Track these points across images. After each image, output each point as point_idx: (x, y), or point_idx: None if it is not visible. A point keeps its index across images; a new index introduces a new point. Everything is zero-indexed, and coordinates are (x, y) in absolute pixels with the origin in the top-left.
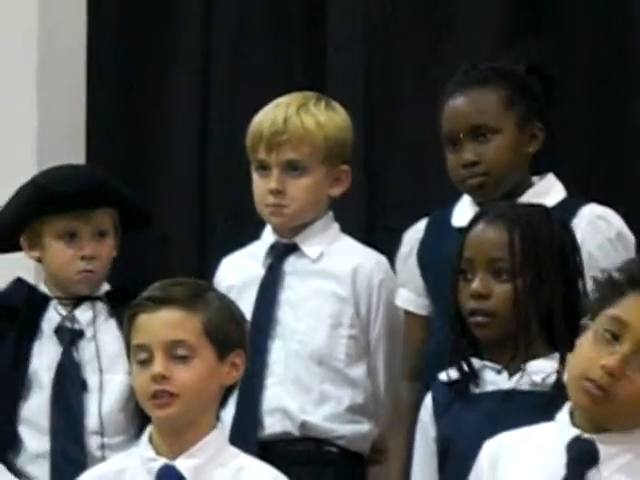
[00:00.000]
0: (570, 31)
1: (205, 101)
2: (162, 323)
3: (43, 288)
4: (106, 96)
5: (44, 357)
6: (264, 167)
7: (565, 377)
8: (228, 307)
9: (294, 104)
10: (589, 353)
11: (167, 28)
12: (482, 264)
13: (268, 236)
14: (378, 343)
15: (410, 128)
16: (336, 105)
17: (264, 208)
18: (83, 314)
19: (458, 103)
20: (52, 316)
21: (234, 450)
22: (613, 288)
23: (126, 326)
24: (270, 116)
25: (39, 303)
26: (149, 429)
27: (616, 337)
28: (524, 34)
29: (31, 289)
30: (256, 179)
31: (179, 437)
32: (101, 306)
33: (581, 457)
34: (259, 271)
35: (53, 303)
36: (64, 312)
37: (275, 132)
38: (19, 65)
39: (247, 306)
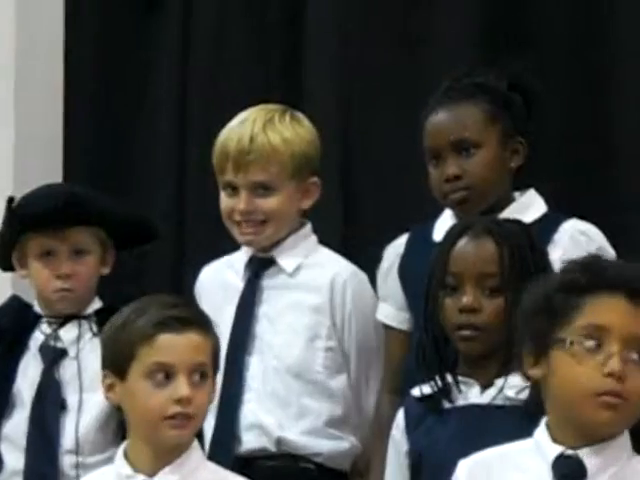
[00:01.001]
0: (548, 47)
1: (182, 111)
2: (190, 344)
3: (37, 306)
4: (84, 110)
5: (28, 375)
6: (232, 187)
7: (549, 402)
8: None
9: (259, 120)
10: (583, 370)
11: (145, 41)
12: (472, 279)
13: (247, 248)
14: (355, 356)
15: (388, 142)
16: (301, 117)
17: (232, 225)
18: (68, 333)
19: (441, 117)
20: (39, 334)
21: (212, 466)
22: (569, 300)
23: (135, 340)
24: (236, 134)
25: (30, 321)
26: (124, 445)
27: (599, 344)
28: (503, 50)
29: (23, 307)
30: (224, 198)
31: (162, 454)
32: (87, 325)
33: (570, 474)
34: (237, 283)
35: (42, 322)
36: (49, 330)
37: (241, 152)
38: None
39: (226, 320)
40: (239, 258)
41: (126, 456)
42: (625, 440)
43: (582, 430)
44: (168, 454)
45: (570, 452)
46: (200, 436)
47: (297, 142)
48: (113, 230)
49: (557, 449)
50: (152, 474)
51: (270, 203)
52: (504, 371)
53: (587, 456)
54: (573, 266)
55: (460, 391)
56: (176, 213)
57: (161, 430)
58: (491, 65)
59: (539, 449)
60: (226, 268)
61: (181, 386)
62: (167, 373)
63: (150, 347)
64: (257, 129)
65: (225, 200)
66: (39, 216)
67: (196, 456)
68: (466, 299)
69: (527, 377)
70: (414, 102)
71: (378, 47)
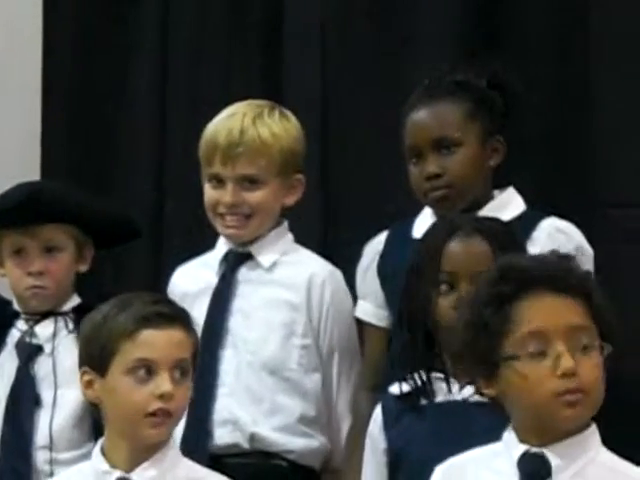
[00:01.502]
0: (529, 46)
1: (162, 110)
2: (172, 341)
3: (16, 304)
4: (62, 108)
5: (4, 372)
6: (218, 180)
7: (511, 410)
8: None
9: (249, 114)
10: (536, 378)
11: (123, 36)
12: (466, 278)
13: (222, 245)
14: (330, 355)
15: (367, 141)
16: (288, 114)
17: (216, 217)
18: (44, 329)
19: (422, 116)
20: (15, 331)
21: (188, 462)
22: (500, 313)
23: (117, 336)
24: (225, 127)
25: (8, 318)
26: (100, 442)
27: (544, 349)
28: (483, 49)
29: (2, 304)
30: (208, 189)
31: (139, 450)
32: (63, 321)
33: (533, 472)
34: (213, 280)
35: (19, 318)
36: (25, 327)
37: (231, 144)
38: None
39: (200, 315)
40: (213, 256)
41: (103, 452)
42: (591, 433)
43: (547, 430)
44: (145, 451)
45: (535, 450)
46: None
47: (285, 138)
48: (88, 227)
49: (522, 448)
50: (129, 470)
51: (256, 197)
52: None
53: (551, 453)
54: (493, 276)
55: (436, 388)
56: (155, 209)
57: (141, 428)
58: (471, 64)
59: (508, 450)
60: (200, 267)
61: (163, 382)
62: (149, 369)
63: (132, 343)
64: (247, 123)
65: (210, 192)
66: (3, 212)
67: (173, 452)
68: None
69: (482, 394)
70: (393, 101)
71: (359, 46)
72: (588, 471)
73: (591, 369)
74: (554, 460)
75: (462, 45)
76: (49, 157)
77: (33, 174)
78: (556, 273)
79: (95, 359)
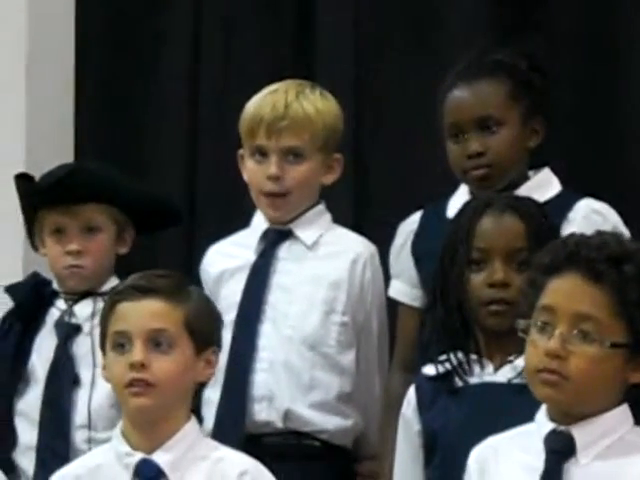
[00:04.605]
0: (558, 28)
1: (195, 92)
2: (145, 311)
3: (55, 283)
4: (95, 92)
5: (43, 351)
6: (262, 153)
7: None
8: (207, 302)
9: (292, 90)
10: (532, 350)
11: (156, 19)
12: (501, 254)
13: (259, 223)
14: (369, 333)
15: (400, 120)
16: (327, 93)
17: (260, 196)
18: (83, 309)
19: (464, 94)
20: (55, 311)
21: (211, 442)
22: (535, 284)
23: (105, 314)
24: (269, 101)
25: (47, 297)
26: (120, 423)
27: (549, 324)
28: (514, 31)
29: (41, 284)
30: (252, 165)
31: (153, 431)
32: (102, 302)
33: (558, 449)
34: (250, 257)
35: (59, 298)
36: (64, 307)
37: (276, 117)
38: (8, 61)
39: (236, 292)
40: (249, 234)
41: (123, 434)
42: (620, 413)
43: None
44: (153, 430)
45: (561, 428)
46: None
47: (328, 114)
48: (128, 209)
49: (551, 426)
50: (148, 452)
51: (299, 171)
52: (520, 349)
53: (577, 431)
54: (555, 246)
55: (480, 368)
56: (187, 192)
57: (125, 399)
58: (506, 45)
59: (539, 429)
60: (235, 245)
61: (134, 351)
62: (126, 341)
63: (111, 317)
64: (291, 97)
65: (254, 168)
66: (43, 190)
67: (193, 432)
68: (498, 274)
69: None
70: (426, 80)
71: (390, 31)
72: (615, 450)
73: (581, 358)
74: (579, 438)
75: (495, 27)
76: (82, 142)
77: (66, 158)
78: (588, 257)
79: (101, 340)
